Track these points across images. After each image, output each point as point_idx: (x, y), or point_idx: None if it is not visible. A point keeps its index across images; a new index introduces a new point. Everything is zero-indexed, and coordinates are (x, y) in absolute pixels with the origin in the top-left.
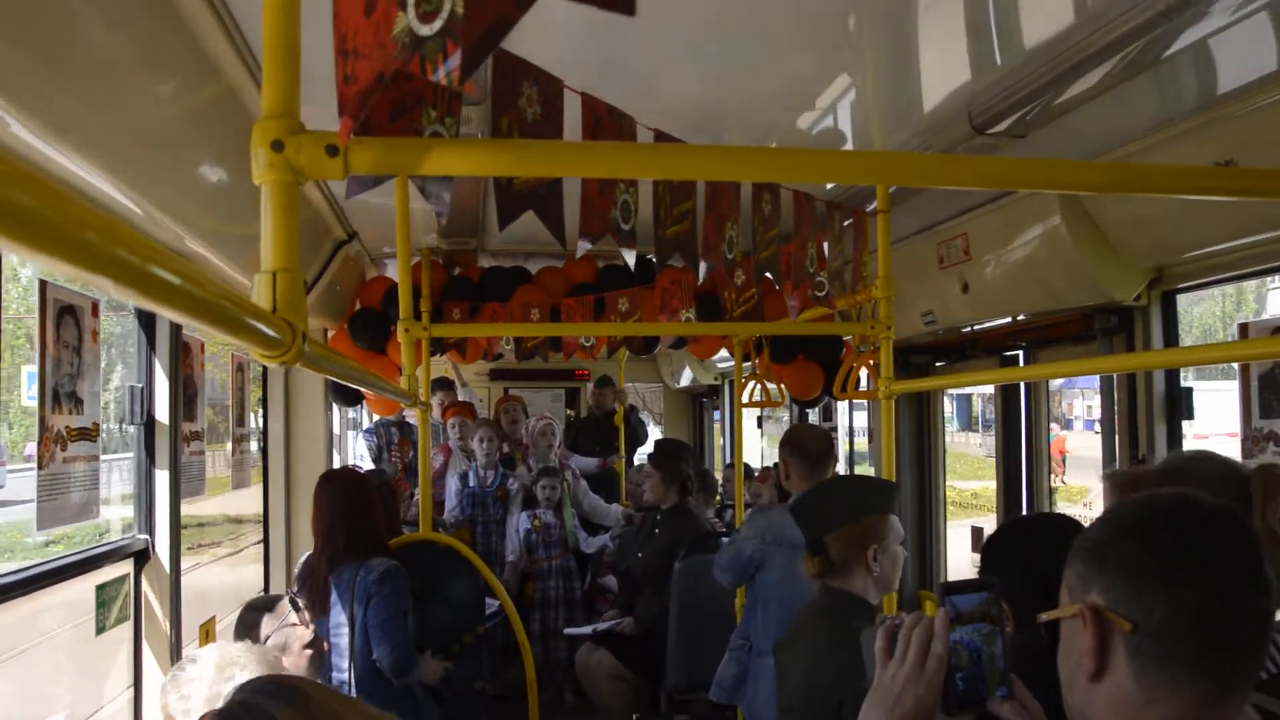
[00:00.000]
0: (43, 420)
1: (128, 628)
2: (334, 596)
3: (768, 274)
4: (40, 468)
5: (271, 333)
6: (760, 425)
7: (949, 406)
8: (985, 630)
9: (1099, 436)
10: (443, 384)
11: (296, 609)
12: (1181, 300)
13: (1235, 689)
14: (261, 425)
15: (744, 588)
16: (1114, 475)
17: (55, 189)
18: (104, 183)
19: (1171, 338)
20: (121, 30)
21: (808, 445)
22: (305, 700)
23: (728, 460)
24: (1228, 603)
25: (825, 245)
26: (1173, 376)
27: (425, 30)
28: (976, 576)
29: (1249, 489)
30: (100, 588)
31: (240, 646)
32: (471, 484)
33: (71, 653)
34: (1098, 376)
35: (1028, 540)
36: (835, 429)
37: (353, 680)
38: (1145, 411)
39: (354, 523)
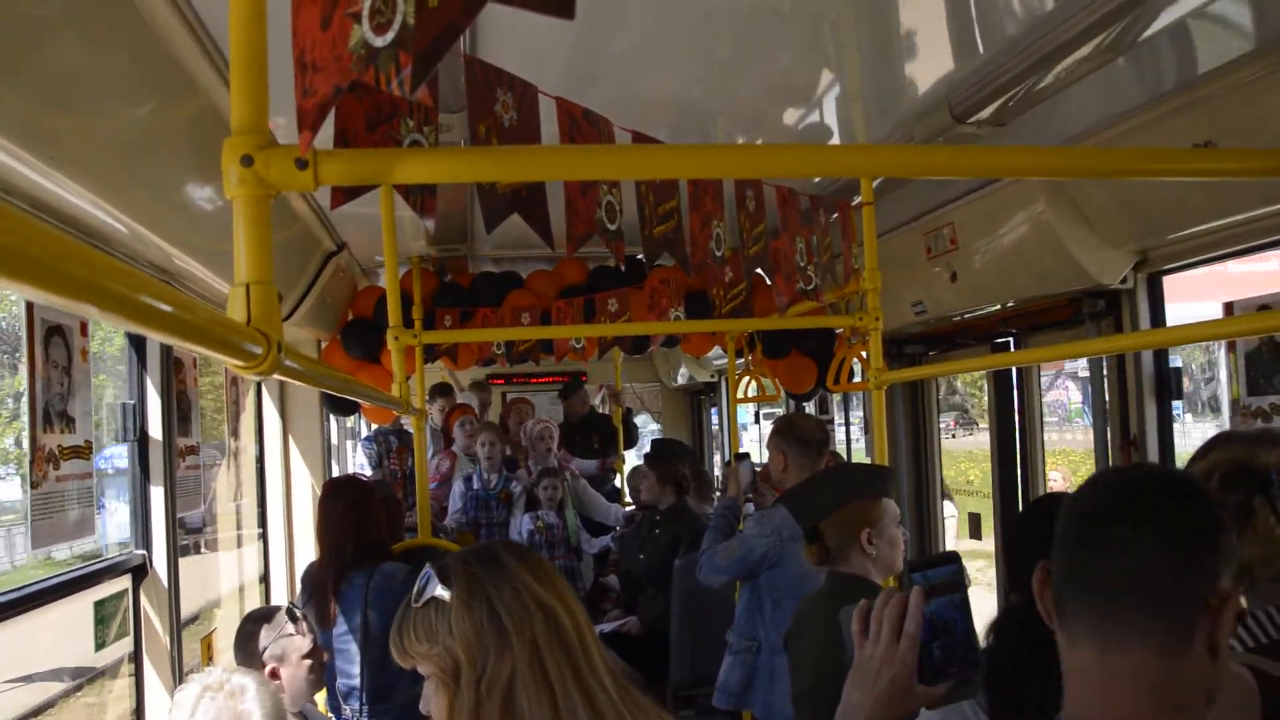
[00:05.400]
0: (34, 440)
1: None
2: (341, 605)
3: (758, 270)
4: (34, 487)
5: (246, 345)
6: (758, 420)
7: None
8: (958, 600)
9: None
10: (443, 390)
11: (294, 619)
12: None
13: (1129, 637)
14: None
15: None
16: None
17: (32, 224)
18: (88, 204)
19: (1159, 319)
20: (101, 50)
21: (808, 435)
22: (537, 563)
23: (728, 457)
24: (1121, 554)
25: (813, 239)
26: (1161, 357)
27: (379, 42)
28: (938, 554)
29: None
30: (99, 604)
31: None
32: (475, 486)
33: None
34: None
35: (1038, 519)
36: (831, 421)
37: (364, 687)
38: (1135, 393)
39: (362, 531)
